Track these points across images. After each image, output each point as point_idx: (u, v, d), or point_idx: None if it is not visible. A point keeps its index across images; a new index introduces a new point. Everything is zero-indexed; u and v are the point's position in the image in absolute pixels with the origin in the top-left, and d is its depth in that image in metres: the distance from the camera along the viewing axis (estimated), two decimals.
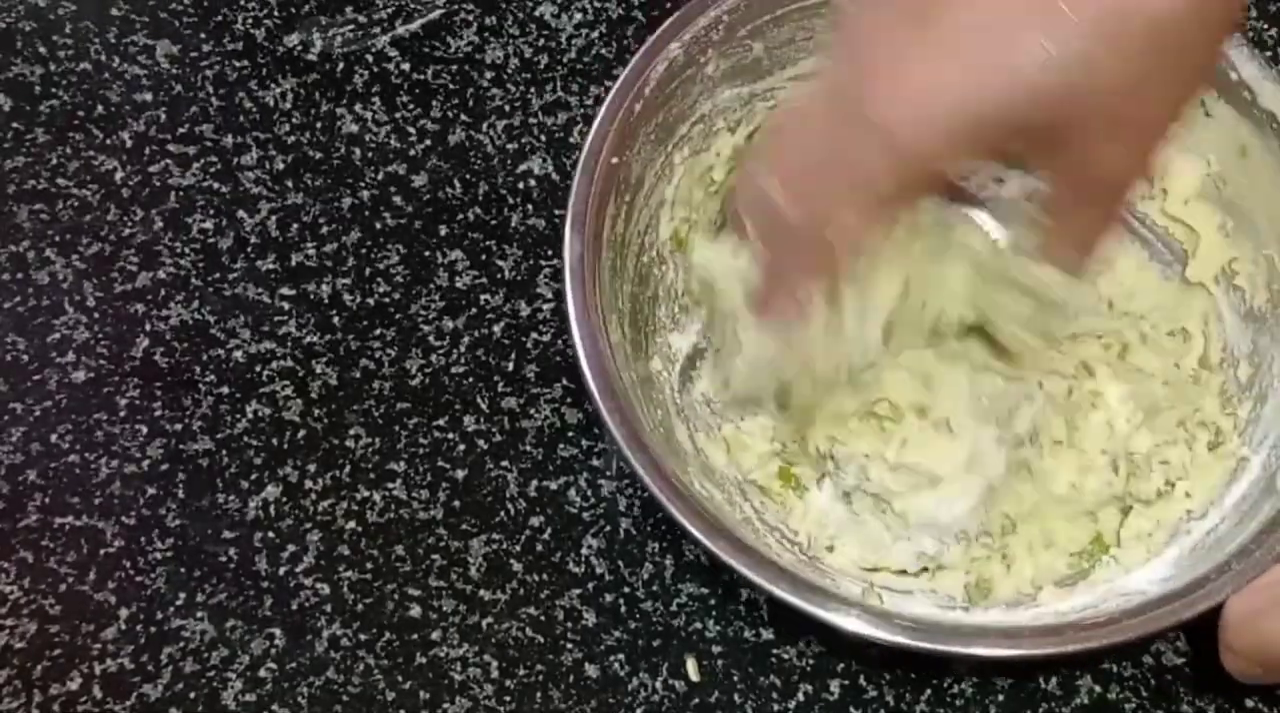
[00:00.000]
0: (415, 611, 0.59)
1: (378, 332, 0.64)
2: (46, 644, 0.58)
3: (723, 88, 0.61)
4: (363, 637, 0.58)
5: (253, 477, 0.61)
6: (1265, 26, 0.72)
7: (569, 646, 0.58)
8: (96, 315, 0.63)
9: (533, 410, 0.63)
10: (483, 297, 0.65)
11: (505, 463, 0.62)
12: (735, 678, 0.58)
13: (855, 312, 0.54)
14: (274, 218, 0.66)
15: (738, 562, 0.51)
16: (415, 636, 0.58)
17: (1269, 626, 0.50)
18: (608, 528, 0.61)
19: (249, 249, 0.65)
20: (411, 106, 0.69)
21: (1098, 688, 0.58)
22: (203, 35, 0.70)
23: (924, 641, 0.51)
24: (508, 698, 0.57)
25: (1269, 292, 0.60)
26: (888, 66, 0.45)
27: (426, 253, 0.66)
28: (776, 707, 0.57)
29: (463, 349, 0.64)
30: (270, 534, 0.60)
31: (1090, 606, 0.56)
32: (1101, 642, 0.51)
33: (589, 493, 0.61)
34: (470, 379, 0.63)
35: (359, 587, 0.59)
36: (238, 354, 0.63)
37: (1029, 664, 0.58)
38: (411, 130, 0.68)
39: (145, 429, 0.61)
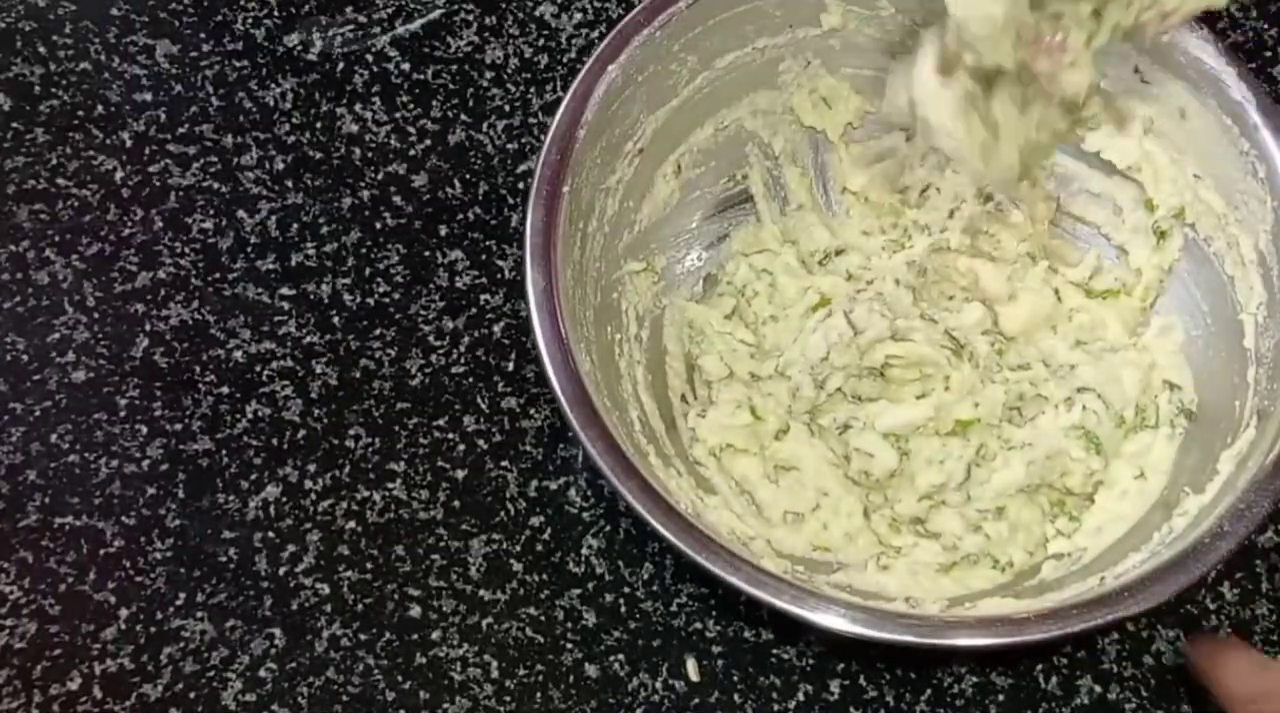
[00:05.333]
0: (415, 611, 0.59)
1: (378, 332, 0.64)
2: (46, 644, 0.58)
3: (661, 108, 0.62)
4: (363, 637, 0.58)
5: (253, 477, 0.61)
6: (1266, 26, 0.72)
7: (569, 646, 0.58)
8: (96, 315, 0.63)
9: (533, 410, 0.63)
10: (483, 297, 0.65)
11: (505, 463, 0.62)
12: (735, 678, 0.58)
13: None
14: (274, 218, 0.66)
15: (737, 577, 0.51)
16: (415, 636, 0.58)
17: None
18: (608, 528, 0.61)
19: (249, 249, 0.65)
20: (411, 106, 0.69)
21: (1098, 688, 0.58)
22: (203, 35, 0.70)
23: (923, 636, 0.51)
24: (508, 698, 0.57)
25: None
26: None
27: (426, 253, 0.66)
28: (776, 707, 0.57)
29: (463, 349, 0.64)
30: (270, 534, 0.60)
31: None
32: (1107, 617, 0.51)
33: (589, 493, 0.61)
34: (470, 379, 0.63)
35: (359, 587, 0.59)
36: (238, 354, 0.63)
37: (1028, 655, 0.58)
38: (411, 130, 0.68)
39: (145, 429, 0.61)
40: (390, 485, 0.61)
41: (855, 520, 0.61)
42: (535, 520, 0.61)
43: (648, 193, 0.63)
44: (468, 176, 0.67)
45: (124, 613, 0.58)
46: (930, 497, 0.61)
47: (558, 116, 0.57)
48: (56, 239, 0.65)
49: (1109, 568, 0.56)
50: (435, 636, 0.58)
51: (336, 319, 0.64)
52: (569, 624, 0.59)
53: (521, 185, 0.67)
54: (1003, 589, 0.58)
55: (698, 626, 0.59)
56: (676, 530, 0.51)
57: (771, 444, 0.63)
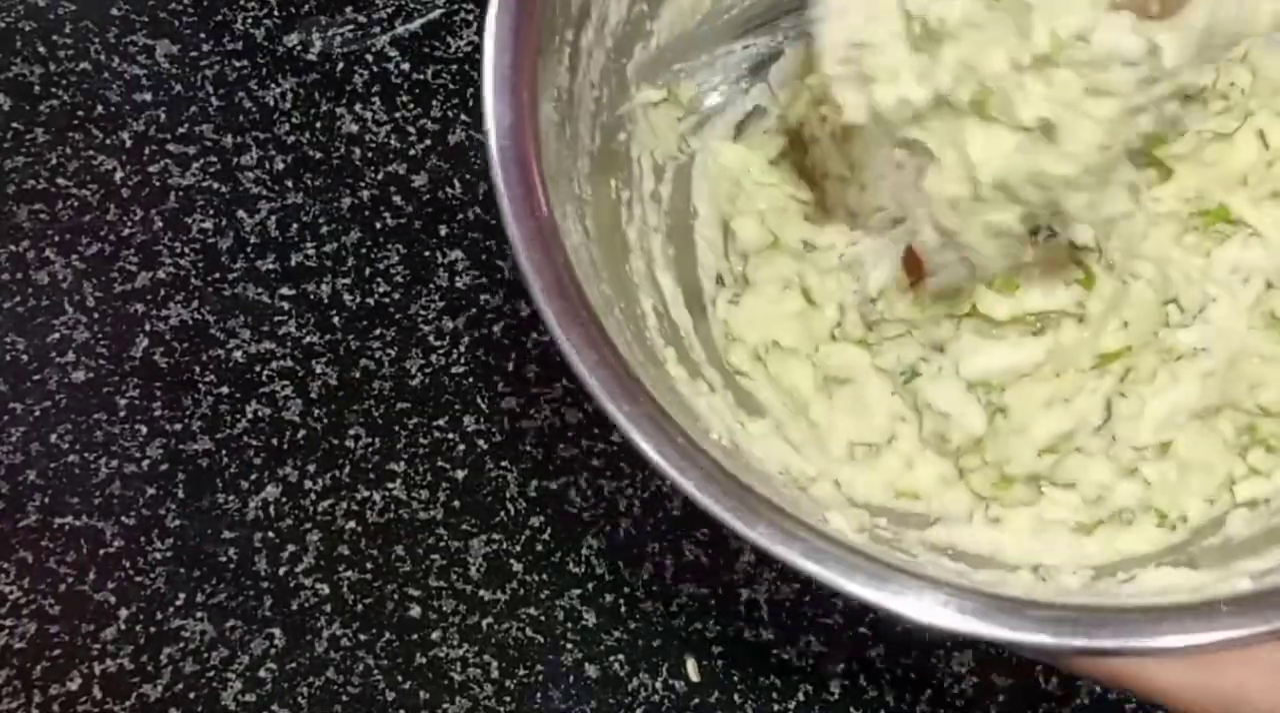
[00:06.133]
0: (415, 611, 0.59)
1: (378, 332, 0.64)
2: (46, 644, 0.58)
3: None
4: (363, 637, 0.58)
5: (253, 477, 0.61)
6: None
7: (569, 646, 0.58)
8: (96, 315, 0.63)
9: (533, 410, 0.63)
10: (483, 297, 0.65)
11: (505, 463, 0.61)
12: (735, 678, 0.58)
13: None
14: (274, 218, 0.66)
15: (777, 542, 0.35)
16: (415, 636, 0.58)
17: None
18: (608, 528, 0.61)
19: (249, 249, 0.65)
20: (411, 106, 0.69)
21: (1098, 688, 0.58)
22: (202, 35, 0.69)
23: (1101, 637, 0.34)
24: (508, 698, 0.57)
25: None
26: None
27: (426, 253, 0.66)
28: (776, 707, 0.57)
29: (463, 349, 0.64)
30: (270, 534, 0.60)
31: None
32: None
33: (589, 493, 0.61)
34: (470, 379, 0.63)
35: (359, 587, 0.59)
36: (238, 354, 0.63)
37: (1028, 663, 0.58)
38: (411, 130, 0.68)
39: (145, 429, 0.61)
40: (390, 485, 0.61)
41: (945, 469, 0.47)
42: (535, 520, 0.60)
43: None
44: (468, 176, 0.67)
45: (124, 613, 0.58)
46: (1055, 450, 0.46)
47: None
48: (56, 239, 0.65)
49: None
50: (435, 636, 0.58)
51: (336, 319, 0.64)
52: (569, 624, 0.59)
53: None
54: (1173, 554, 0.43)
55: (698, 626, 0.59)
56: (700, 479, 0.35)
57: (825, 345, 0.48)
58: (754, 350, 0.48)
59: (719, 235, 0.49)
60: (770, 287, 0.49)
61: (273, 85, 0.69)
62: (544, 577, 0.59)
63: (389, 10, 0.71)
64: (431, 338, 0.64)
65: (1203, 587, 0.38)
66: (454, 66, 0.70)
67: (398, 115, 0.68)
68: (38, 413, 0.62)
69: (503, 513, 0.61)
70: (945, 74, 0.39)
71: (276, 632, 0.58)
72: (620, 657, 0.58)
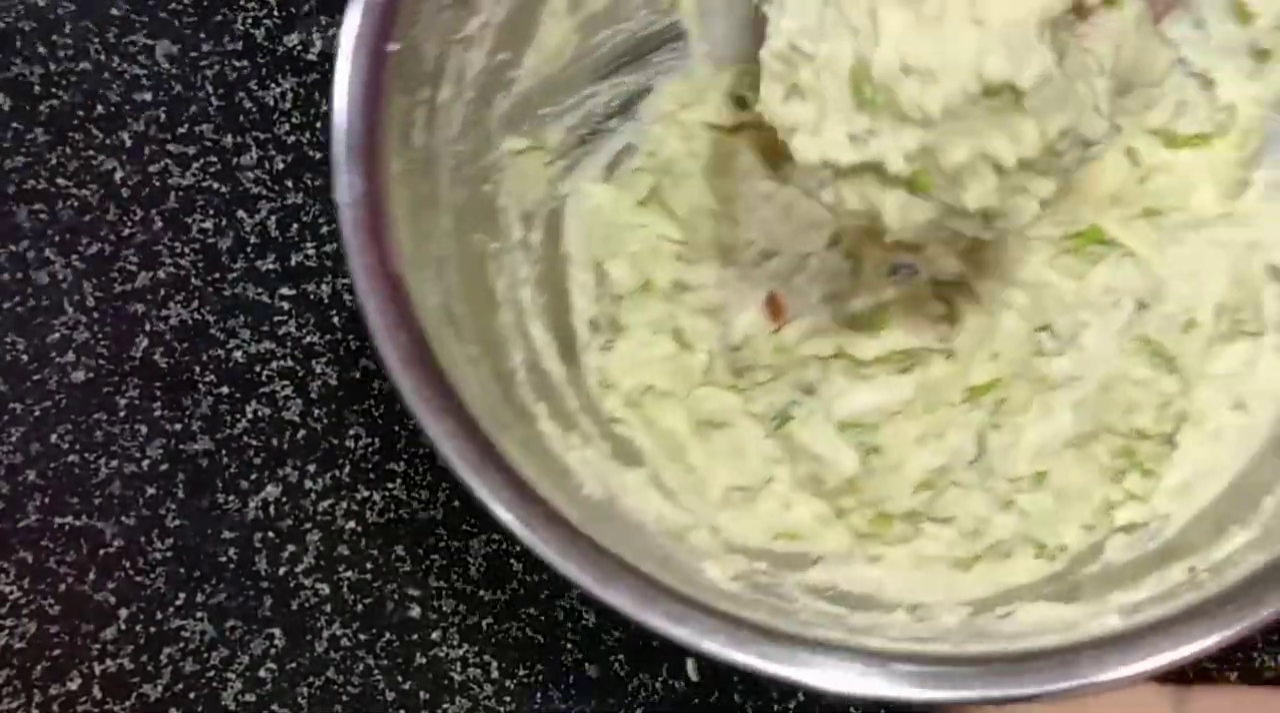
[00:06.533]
0: (415, 611, 0.59)
1: None
2: (46, 645, 0.58)
3: None
4: (363, 637, 0.58)
5: (253, 477, 0.61)
6: None
7: (569, 646, 0.58)
8: (96, 315, 0.63)
9: None
10: None
11: None
12: (735, 678, 0.58)
13: None
14: (274, 218, 0.66)
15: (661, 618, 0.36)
16: (415, 636, 0.58)
17: None
18: None
19: (249, 249, 0.65)
20: None
21: None
22: (203, 35, 0.69)
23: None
24: (508, 698, 0.57)
25: None
26: None
27: None
28: (776, 707, 0.57)
29: None
30: (270, 534, 0.60)
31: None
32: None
33: None
34: None
35: (359, 587, 0.59)
36: (238, 354, 0.63)
37: None
38: None
39: (145, 429, 0.61)
40: (390, 485, 0.61)
41: (823, 509, 0.46)
42: None
43: (531, 38, 0.45)
44: None
45: (124, 613, 0.58)
46: (931, 485, 0.46)
47: None
48: (56, 239, 0.65)
49: (1202, 550, 0.40)
50: (435, 636, 0.58)
51: (336, 319, 0.64)
52: (569, 624, 0.59)
53: None
54: (1053, 584, 0.44)
55: None
56: (561, 545, 0.37)
57: (699, 387, 0.48)
58: (629, 396, 0.47)
59: (592, 279, 0.48)
60: (643, 330, 0.48)
61: (273, 85, 0.69)
62: (544, 577, 0.59)
63: None
64: None
65: (1075, 623, 0.38)
66: None
67: None
68: (37, 413, 0.62)
69: None
70: (895, 153, 0.37)
71: (276, 632, 0.58)
72: (620, 657, 0.58)
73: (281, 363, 0.63)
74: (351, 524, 0.60)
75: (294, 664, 0.58)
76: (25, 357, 0.63)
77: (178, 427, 0.61)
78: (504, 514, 0.36)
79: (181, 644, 0.58)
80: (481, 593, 0.59)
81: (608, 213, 0.48)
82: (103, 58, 0.69)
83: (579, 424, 0.45)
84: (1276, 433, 0.44)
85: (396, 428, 0.62)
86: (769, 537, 0.46)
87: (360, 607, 0.59)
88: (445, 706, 0.57)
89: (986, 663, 0.36)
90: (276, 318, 0.64)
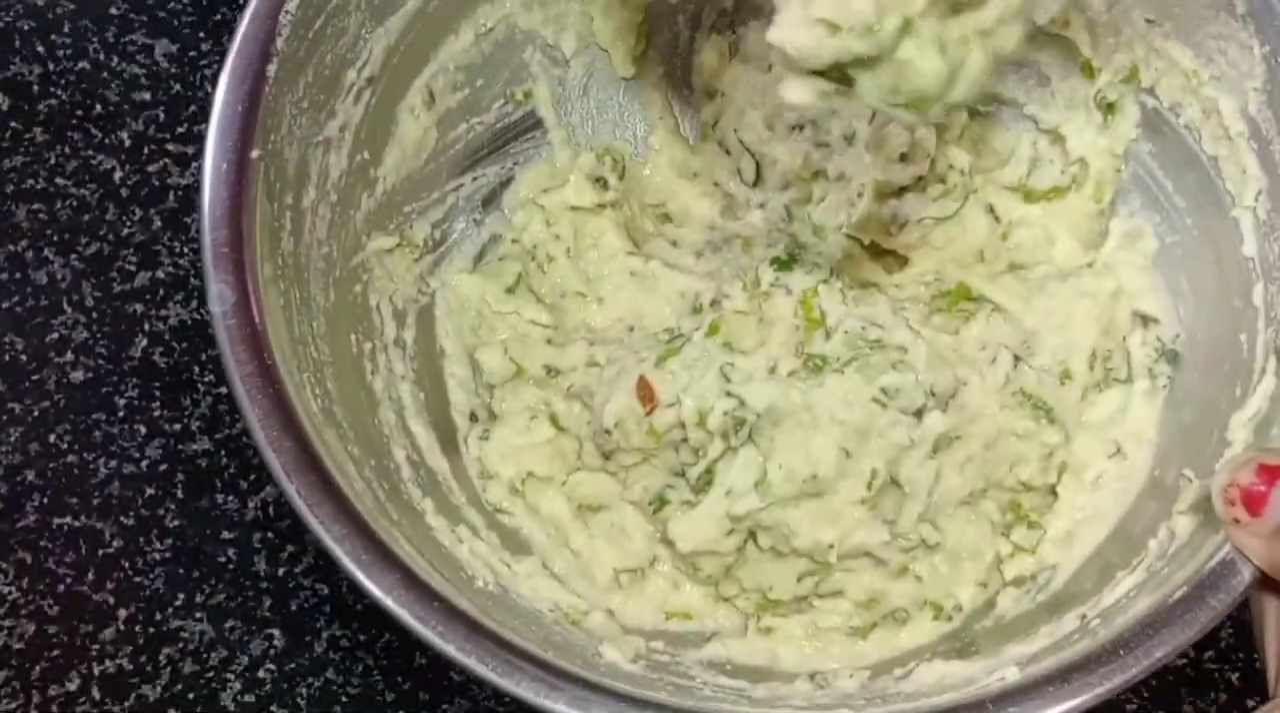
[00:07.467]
0: None
1: None
2: (46, 645, 0.57)
3: (390, 16, 0.44)
4: (362, 637, 0.58)
5: (252, 477, 0.61)
6: None
7: None
8: (95, 315, 0.63)
9: None
10: None
11: None
12: None
13: None
14: None
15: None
16: (415, 636, 0.58)
17: None
18: None
19: None
20: None
21: None
22: (202, 34, 0.69)
23: None
24: (507, 698, 0.57)
25: None
26: None
27: None
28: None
29: None
30: (270, 534, 0.60)
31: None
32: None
33: None
34: None
35: (358, 587, 0.59)
36: None
37: None
38: None
39: (144, 429, 0.61)
40: None
41: (708, 591, 0.46)
42: None
43: (390, 137, 0.46)
44: None
45: (123, 614, 0.58)
46: (813, 573, 0.45)
47: (232, 51, 0.39)
48: (55, 239, 0.65)
49: (1091, 599, 0.40)
50: None
51: None
52: None
53: None
54: (949, 642, 0.44)
55: None
56: (459, 639, 0.36)
57: (575, 473, 0.48)
58: (510, 484, 0.48)
59: (468, 371, 0.49)
60: (519, 417, 0.49)
61: None
62: None
63: None
64: None
65: (974, 678, 0.38)
66: None
67: None
68: (36, 413, 0.61)
69: None
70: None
71: (276, 632, 0.58)
72: None
73: None
74: None
75: (293, 665, 0.58)
76: (24, 357, 0.62)
77: (177, 427, 0.61)
78: (400, 612, 0.36)
79: (180, 645, 0.58)
80: None
81: (476, 302, 0.50)
82: (101, 57, 0.69)
83: (465, 517, 0.46)
84: (1153, 477, 0.44)
85: None
86: (661, 617, 0.46)
87: (360, 607, 0.58)
88: (445, 706, 0.57)
89: None
90: None
